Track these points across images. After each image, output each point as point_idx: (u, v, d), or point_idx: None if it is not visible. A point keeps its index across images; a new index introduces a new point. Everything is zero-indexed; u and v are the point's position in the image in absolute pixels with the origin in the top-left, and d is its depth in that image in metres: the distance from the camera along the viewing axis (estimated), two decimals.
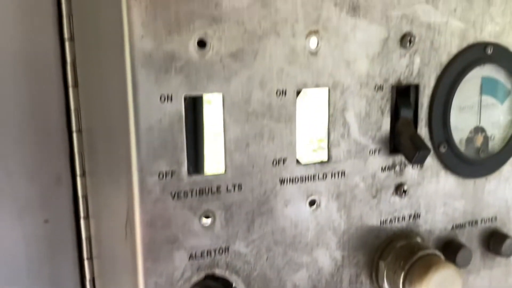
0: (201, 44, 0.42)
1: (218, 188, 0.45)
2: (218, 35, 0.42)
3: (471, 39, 0.54)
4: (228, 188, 0.45)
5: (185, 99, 0.42)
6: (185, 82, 0.42)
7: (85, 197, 0.54)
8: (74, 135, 0.52)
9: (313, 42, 0.46)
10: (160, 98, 0.41)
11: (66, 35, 0.49)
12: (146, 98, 0.41)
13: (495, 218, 0.60)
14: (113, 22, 0.40)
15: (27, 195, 0.53)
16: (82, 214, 0.54)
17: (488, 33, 0.55)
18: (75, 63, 0.50)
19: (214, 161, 0.55)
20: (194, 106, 0.53)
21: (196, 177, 0.44)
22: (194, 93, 0.42)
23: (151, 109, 0.41)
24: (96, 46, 0.47)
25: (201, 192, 0.44)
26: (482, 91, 0.57)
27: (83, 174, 0.54)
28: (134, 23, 0.39)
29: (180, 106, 0.42)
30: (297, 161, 0.48)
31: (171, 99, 0.41)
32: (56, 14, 0.50)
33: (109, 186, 0.50)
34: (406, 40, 0.50)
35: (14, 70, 0.50)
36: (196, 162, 0.50)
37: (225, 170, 0.45)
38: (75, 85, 0.51)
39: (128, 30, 0.39)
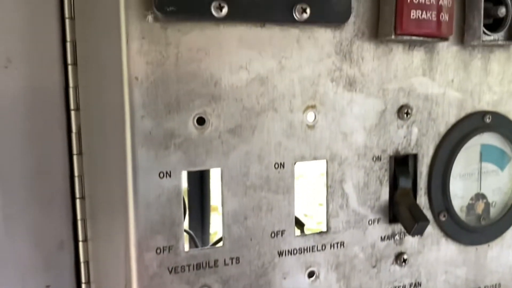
0: (200, 121, 0.43)
1: (215, 262, 0.45)
2: (217, 112, 0.44)
3: (469, 108, 0.55)
4: (226, 261, 0.45)
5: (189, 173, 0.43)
6: (184, 158, 0.43)
7: (87, 263, 0.54)
8: (77, 202, 0.53)
9: (310, 116, 0.47)
10: (159, 174, 0.42)
11: (72, 105, 0.51)
12: (146, 175, 0.42)
13: (499, 285, 0.59)
14: (115, 101, 0.42)
15: (30, 260, 0.54)
16: (83, 279, 0.54)
17: (486, 102, 0.55)
18: (80, 131, 0.52)
19: (212, 234, 0.55)
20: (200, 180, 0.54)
21: (193, 251, 0.44)
22: (193, 168, 0.43)
23: (150, 186, 0.42)
24: (100, 117, 0.48)
25: (199, 266, 0.44)
26: (482, 158, 0.57)
27: (85, 240, 0.54)
28: (135, 104, 0.41)
29: (178, 182, 0.43)
30: (296, 232, 0.48)
31: (170, 175, 0.42)
32: (63, 85, 0.52)
33: (109, 253, 0.50)
34: (403, 111, 0.51)
35: (21, 137, 0.52)
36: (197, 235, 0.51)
37: (223, 243, 0.45)
38: (79, 152, 0.52)
39: (130, 111, 0.40)
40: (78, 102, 0.51)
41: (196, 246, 0.50)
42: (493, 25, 0.54)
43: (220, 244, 0.45)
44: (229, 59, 0.44)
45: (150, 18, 0.40)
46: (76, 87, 0.51)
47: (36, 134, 0.52)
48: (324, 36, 0.47)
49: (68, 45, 0.50)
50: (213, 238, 0.53)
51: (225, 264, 0.45)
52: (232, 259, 0.45)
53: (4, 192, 0.52)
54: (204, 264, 0.45)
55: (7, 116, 0.51)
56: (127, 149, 0.41)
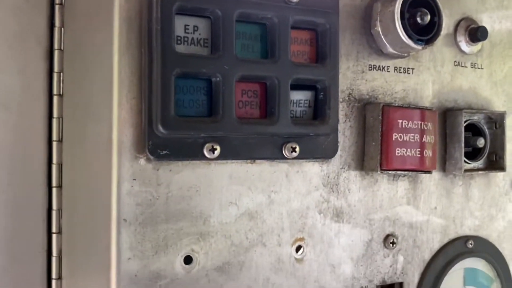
0: (188, 260, 0.42)
1: None
2: (205, 250, 0.43)
3: (452, 234, 0.55)
4: None
5: None
6: None
7: None
8: None
9: (298, 249, 0.47)
10: None
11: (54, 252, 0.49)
12: None
13: None
14: (102, 243, 0.41)
15: None
16: None
17: (468, 227, 0.56)
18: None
19: None
20: None
21: None
22: None
23: None
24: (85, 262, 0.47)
25: None
26: (465, 282, 0.57)
27: None
28: (122, 247, 0.40)
29: None
30: None
31: None
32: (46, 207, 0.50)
33: None
34: (389, 241, 0.51)
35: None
36: None
37: None
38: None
39: (116, 254, 0.39)
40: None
41: None
42: (472, 153, 0.56)
43: None
44: (219, 195, 0.43)
45: (142, 161, 0.40)
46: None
47: (16, 209, 0.50)
48: (312, 169, 0.48)
49: (54, 167, 0.49)
50: None
51: None
52: None
53: None
54: None
55: None
56: None
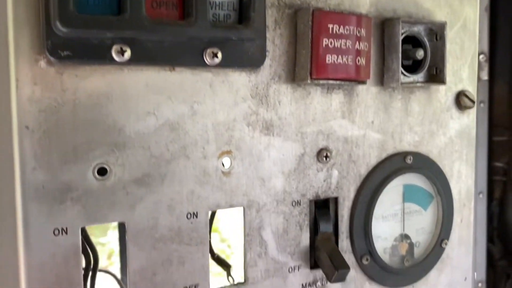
0: (102, 171, 0.40)
1: None
2: (121, 162, 0.41)
3: (390, 149, 0.54)
4: None
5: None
6: (83, 213, 0.39)
7: None
8: None
9: (226, 162, 0.45)
10: (54, 231, 0.38)
11: None
12: (38, 232, 0.38)
13: None
14: (4, 151, 0.38)
15: None
16: None
17: (407, 142, 0.55)
18: None
19: None
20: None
21: None
22: (93, 224, 0.40)
23: (43, 244, 0.38)
24: None
25: None
26: (405, 198, 0.57)
27: None
28: (26, 155, 0.37)
29: (76, 239, 0.39)
30: (211, 285, 0.46)
31: (66, 232, 0.39)
32: None
33: None
34: (322, 155, 0.50)
35: None
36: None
37: None
38: None
39: (20, 163, 0.37)
40: None
41: None
42: (412, 66, 0.54)
43: None
44: (135, 104, 0.41)
45: (42, 63, 0.37)
46: None
47: None
48: (239, 80, 0.45)
49: None
50: None
51: None
52: None
53: None
54: None
55: None
56: (17, 204, 0.37)
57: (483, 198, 0.82)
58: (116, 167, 0.40)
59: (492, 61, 0.82)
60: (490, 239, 0.82)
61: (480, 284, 0.81)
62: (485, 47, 0.80)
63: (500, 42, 0.83)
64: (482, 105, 0.81)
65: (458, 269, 0.61)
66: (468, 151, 0.60)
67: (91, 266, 0.46)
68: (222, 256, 0.60)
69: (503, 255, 0.82)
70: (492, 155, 0.83)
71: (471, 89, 0.59)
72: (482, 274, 0.81)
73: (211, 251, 0.63)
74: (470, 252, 0.63)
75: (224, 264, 0.63)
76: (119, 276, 0.69)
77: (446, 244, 0.59)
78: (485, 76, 0.81)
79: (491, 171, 0.83)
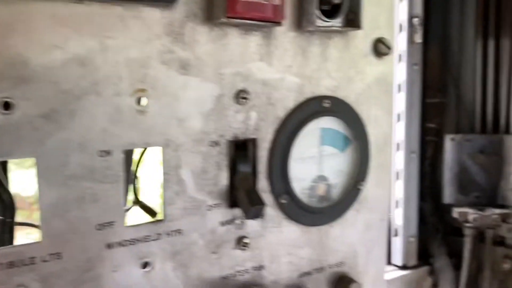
0: (6, 106, 0.39)
1: (32, 259, 0.41)
2: (27, 96, 0.40)
3: (308, 93, 0.56)
4: (45, 258, 0.42)
5: None
6: None
7: None
8: None
9: (140, 101, 0.45)
10: None
11: None
12: None
13: (342, 263, 0.62)
14: None
15: None
16: None
17: (325, 87, 0.57)
18: None
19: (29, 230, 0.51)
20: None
21: (4, 249, 0.40)
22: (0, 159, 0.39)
23: None
24: None
25: (11, 264, 0.40)
26: (323, 141, 0.59)
27: None
28: None
29: None
30: (127, 223, 0.46)
31: None
32: None
33: None
34: (240, 96, 0.50)
35: None
36: (3, 232, 0.47)
37: (42, 239, 0.42)
38: None
39: None
40: None
41: (10, 243, 0.46)
42: (332, 11, 0.55)
43: (37, 239, 0.42)
44: (40, 37, 0.40)
45: None
46: None
47: None
48: (152, 16, 0.44)
49: None
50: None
51: (43, 260, 0.42)
52: (52, 255, 0.42)
53: None
54: (17, 263, 0.41)
55: None
56: None
57: (416, 157, 0.86)
58: (22, 102, 0.39)
59: (427, 25, 0.85)
60: (422, 197, 0.87)
61: (411, 239, 0.86)
62: (419, 10, 0.83)
63: (434, 6, 0.86)
64: (415, 67, 0.84)
65: (374, 210, 0.65)
66: (385, 97, 0.63)
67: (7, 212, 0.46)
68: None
69: (434, 212, 0.88)
70: (425, 116, 0.87)
71: (388, 36, 0.61)
72: (413, 229, 0.86)
73: (136, 197, 0.64)
74: (387, 195, 0.67)
75: (149, 212, 0.64)
76: None
77: (361, 185, 0.62)
78: (418, 39, 0.83)
79: (424, 132, 0.87)
